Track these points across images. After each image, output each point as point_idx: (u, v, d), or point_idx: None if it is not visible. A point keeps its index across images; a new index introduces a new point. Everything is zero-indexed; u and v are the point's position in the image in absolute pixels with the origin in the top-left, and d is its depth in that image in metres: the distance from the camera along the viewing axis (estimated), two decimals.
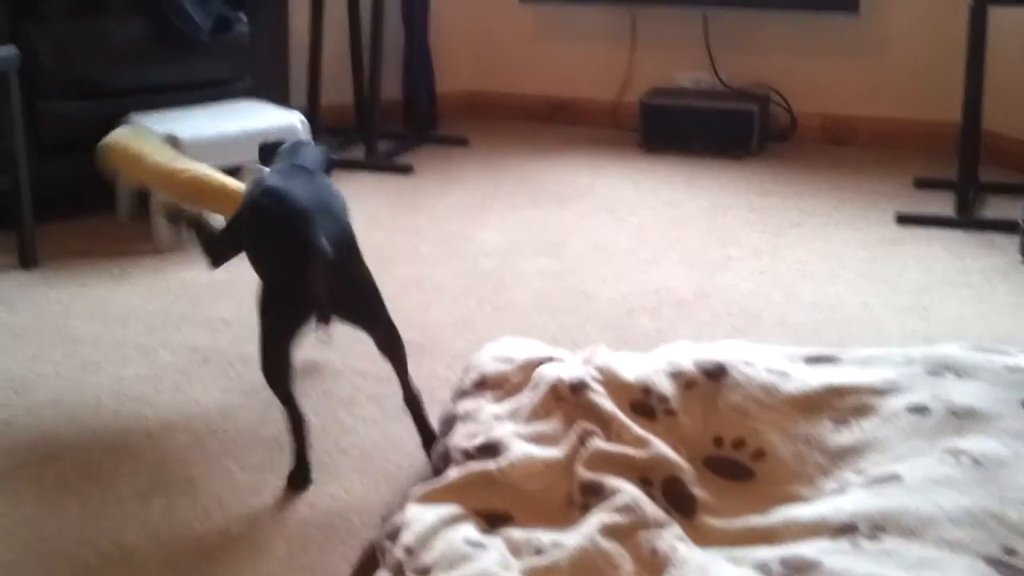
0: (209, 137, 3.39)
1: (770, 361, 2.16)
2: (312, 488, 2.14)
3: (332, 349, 2.73)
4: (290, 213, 2.06)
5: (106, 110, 3.62)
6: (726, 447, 1.98)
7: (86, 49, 3.64)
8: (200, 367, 2.66)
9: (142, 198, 3.57)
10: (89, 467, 2.23)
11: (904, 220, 3.63)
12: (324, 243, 2.01)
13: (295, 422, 2.15)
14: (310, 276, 2.00)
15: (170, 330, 2.84)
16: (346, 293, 2.12)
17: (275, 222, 2.09)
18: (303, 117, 3.66)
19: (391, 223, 3.68)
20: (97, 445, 2.31)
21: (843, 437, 1.97)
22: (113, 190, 3.65)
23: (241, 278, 2.89)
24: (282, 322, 2.10)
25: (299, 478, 2.16)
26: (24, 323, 2.92)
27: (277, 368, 2.11)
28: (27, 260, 3.30)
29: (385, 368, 2.61)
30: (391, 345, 2.21)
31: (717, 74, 4.69)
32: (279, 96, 4.01)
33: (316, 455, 2.26)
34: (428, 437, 2.23)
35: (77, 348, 2.78)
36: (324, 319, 2.21)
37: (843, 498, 1.79)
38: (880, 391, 2.05)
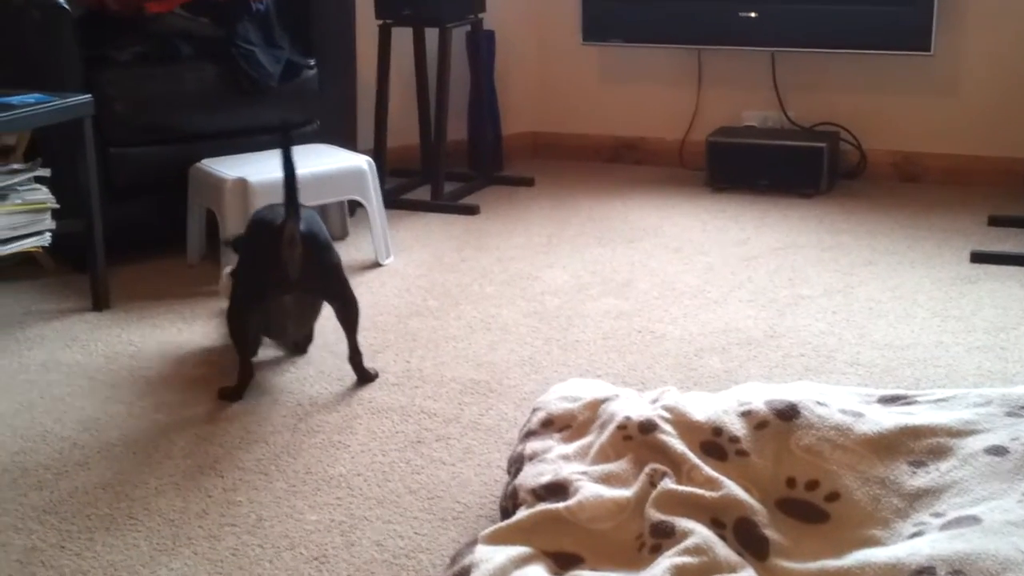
0: (277, 180, 3.41)
1: (843, 401, 2.13)
2: (380, 527, 2.14)
3: (401, 391, 2.74)
4: (271, 214, 2.73)
5: (177, 155, 3.68)
6: (799, 488, 1.95)
7: (157, 96, 3.70)
8: (269, 407, 2.68)
9: (211, 241, 3.62)
10: (160, 506, 2.24)
11: (979, 258, 3.57)
12: (296, 227, 2.61)
13: (243, 370, 2.73)
14: (284, 253, 2.60)
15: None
16: (318, 273, 2.68)
17: (260, 219, 2.78)
18: (370, 159, 3.69)
19: (457, 264, 3.68)
20: (168, 485, 2.33)
21: (919, 479, 1.93)
22: (183, 233, 3.70)
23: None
24: (250, 294, 2.71)
25: (230, 395, 2.72)
26: (97, 364, 2.96)
27: (241, 330, 2.73)
28: (99, 302, 3.35)
29: (453, 409, 2.63)
30: (348, 315, 2.77)
31: (785, 112, 4.66)
32: (346, 140, 4.04)
33: (384, 494, 2.26)
34: (362, 376, 2.82)
35: (149, 388, 2.81)
36: (290, 291, 2.70)
37: (920, 541, 1.75)
38: (957, 432, 2.01)
